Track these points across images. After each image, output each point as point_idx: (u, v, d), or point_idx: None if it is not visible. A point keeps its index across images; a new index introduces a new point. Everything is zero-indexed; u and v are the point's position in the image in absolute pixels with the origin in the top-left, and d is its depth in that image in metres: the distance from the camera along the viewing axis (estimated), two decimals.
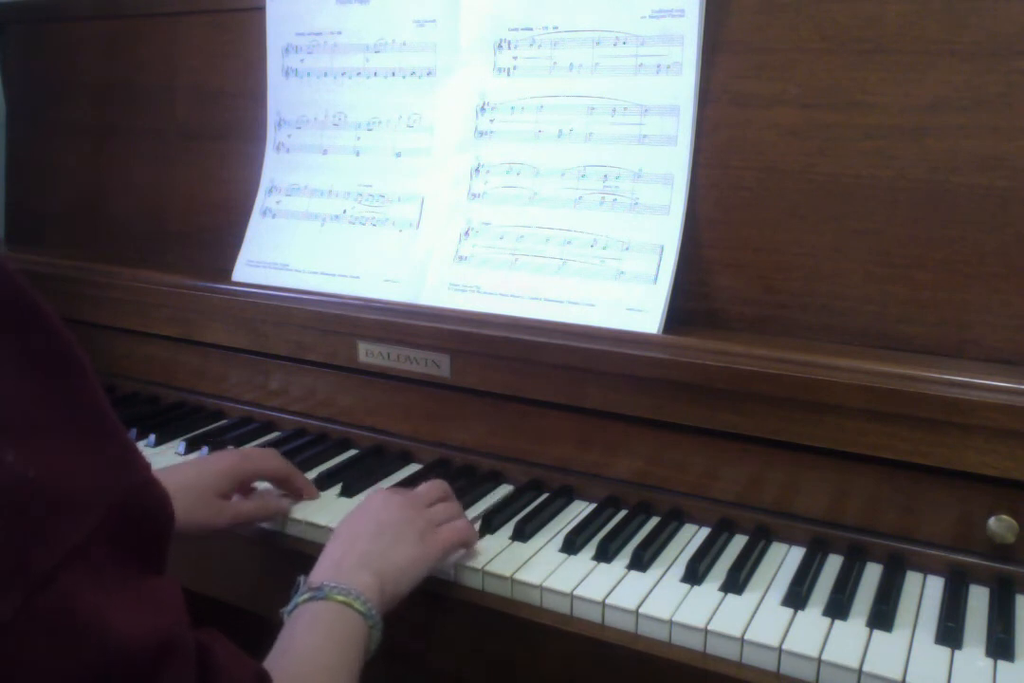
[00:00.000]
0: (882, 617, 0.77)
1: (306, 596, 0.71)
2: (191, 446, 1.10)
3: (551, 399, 0.97)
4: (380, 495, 0.85)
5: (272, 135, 1.24)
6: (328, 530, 0.91)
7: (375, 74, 1.16)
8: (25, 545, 0.43)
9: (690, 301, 0.98)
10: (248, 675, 0.56)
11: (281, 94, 1.23)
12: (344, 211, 1.17)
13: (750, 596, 0.81)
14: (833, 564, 0.86)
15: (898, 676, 0.70)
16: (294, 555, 0.92)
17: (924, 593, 0.82)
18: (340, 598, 0.70)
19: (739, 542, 0.90)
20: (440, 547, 0.82)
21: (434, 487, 0.90)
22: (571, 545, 0.88)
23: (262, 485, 1.00)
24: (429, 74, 1.12)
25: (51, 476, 0.44)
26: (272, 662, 0.64)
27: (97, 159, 1.43)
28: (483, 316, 1.01)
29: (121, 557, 0.48)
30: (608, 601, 0.79)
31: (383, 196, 1.15)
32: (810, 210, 0.93)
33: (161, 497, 0.51)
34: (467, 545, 0.86)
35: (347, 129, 1.18)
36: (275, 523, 0.95)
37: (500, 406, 1.01)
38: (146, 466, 0.51)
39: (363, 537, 0.78)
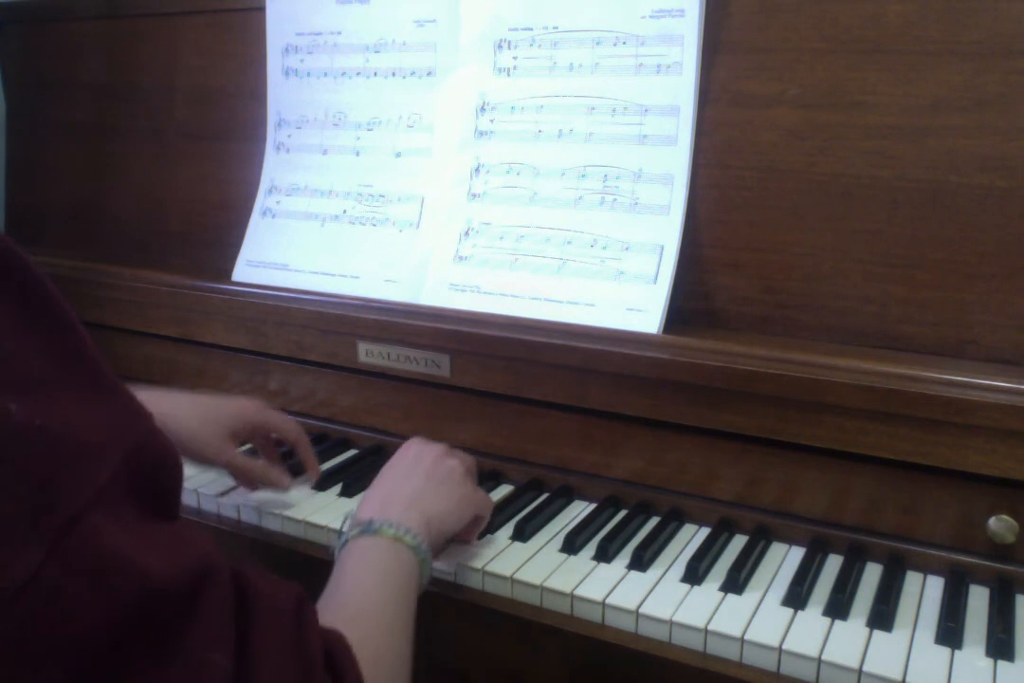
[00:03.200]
0: (882, 617, 0.77)
1: (356, 530, 0.71)
2: None
3: (551, 399, 0.97)
4: (417, 442, 0.86)
5: (272, 135, 1.24)
6: (328, 530, 0.92)
7: (375, 74, 1.16)
8: (42, 493, 0.42)
9: (690, 301, 0.98)
10: (288, 596, 0.55)
11: (281, 94, 1.23)
12: (344, 211, 1.17)
13: (750, 596, 0.81)
14: (833, 564, 0.86)
15: (898, 676, 0.70)
16: (293, 554, 0.92)
17: (924, 593, 0.82)
18: (391, 533, 0.71)
19: (739, 542, 0.90)
20: (483, 493, 0.84)
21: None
22: (571, 545, 0.88)
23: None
24: (429, 74, 1.12)
25: (60, 425, 0.44)
26: (326, 599, 0.65)
27: (97, 159, 1.42)
28: (483, 316, 1.01)
29: (140, 503, 0.48)
30: (608, 601, 0.79)
31: (383, 196, 1.15)
32: (810, 210, 0.93)
33: (167, 445, 0.51)
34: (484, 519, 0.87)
35: (347, 129, 1.18)
36: (275, 523, 0.95)
37: (500, 406, 1.01)
38: (149, 417, 0.51)
39: (406, 479, 0.79)
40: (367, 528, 0.71)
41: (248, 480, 0.97)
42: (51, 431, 0.44)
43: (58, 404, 0.45)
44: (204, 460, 0.93)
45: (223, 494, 0.99)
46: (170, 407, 0.88)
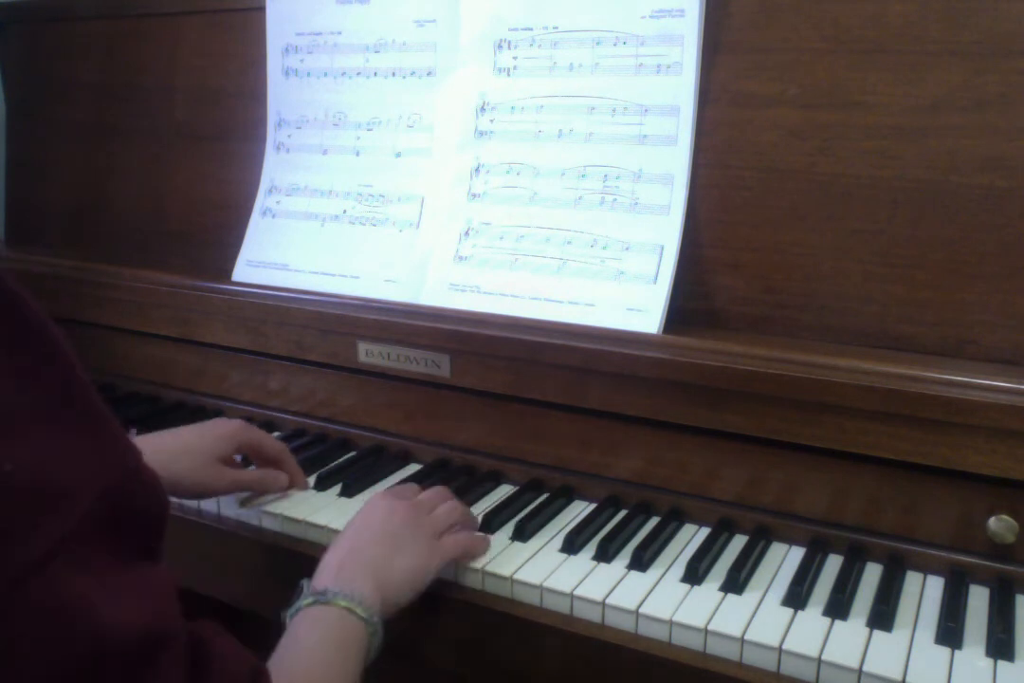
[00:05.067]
0: (882, 617, 0.77)
1: (309, 600, 0.71)
2: None
3: (551, 399, 0.97)
4: (384, 502, 0.85)
5: (272, 135, 1.24)
6: (328, 530, 0.92)
7: (375, 74, 1.16)
8: (7, 539, 0.42)
9: (690, 301, 0.98)
10: (243, 670, 0.55)
11: (281, 94, 1.23)
12: (344, 211, 1.17)
13: (750, 596, 0.81)
14: (833, 564, 0.86)
15: (898, 676, 0.70)
16: (293, 554, 0.92)
17: (924, 593, 0.82)
18: (343, 603, 0.70)
19: (739, 542, 0.90)
20: (440, 558, 0.82)
21: (435, 493, 0.90)
22: (571, 545, 0.88)
23: None
24: (429, 74, 1.12)
25: (32, 468, 0.43)
26: (273, 664, 0.64)
27: (97, 159, 1.42)
28: (483, 316, 1.01)
29: (111, 545, 0.47)
30: (608, 601, 0.79)
31: (383, 196, 1.15)
32: (810, 210, 0.93)
33: (152, 484, 0.50)
34: (473, 555, 0.86)
35: (347, 129, 1.18)
36: (274, 523, 0.95)
37: (500, 406, 1.01)
38: (136, 453, 0.50)
39: (367, 545, 0.78)
40: (320, 598, 0.71)
41: (262, 489, 0.97)
42: (22, 476, 0.43)
43: (36, 443, 0.44)
44: (205, 493, 0.94)
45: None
46: (154, 451, 0.88)
